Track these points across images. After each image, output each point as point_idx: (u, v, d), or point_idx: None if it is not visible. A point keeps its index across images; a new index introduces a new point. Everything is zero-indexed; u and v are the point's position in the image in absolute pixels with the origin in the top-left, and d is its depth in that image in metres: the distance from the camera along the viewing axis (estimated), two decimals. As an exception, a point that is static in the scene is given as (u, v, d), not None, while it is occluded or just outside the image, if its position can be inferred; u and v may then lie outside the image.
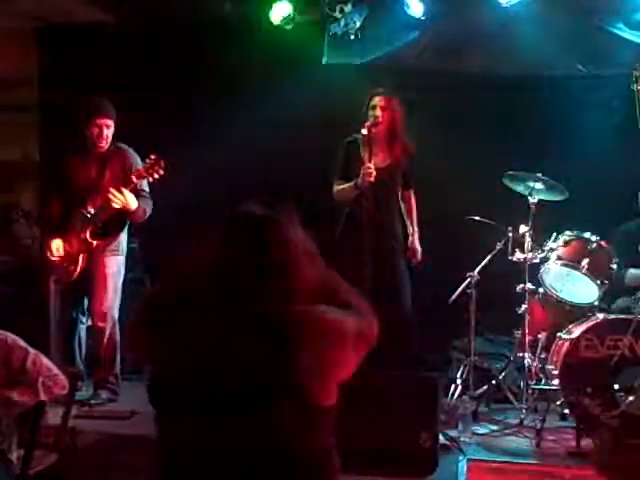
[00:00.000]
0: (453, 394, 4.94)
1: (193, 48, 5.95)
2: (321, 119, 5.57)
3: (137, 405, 4.68)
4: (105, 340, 5.02)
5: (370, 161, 4.88)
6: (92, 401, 4.96)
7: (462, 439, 4.43)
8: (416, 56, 5.97)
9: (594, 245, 4.76)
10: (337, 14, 5.96)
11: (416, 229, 5.13)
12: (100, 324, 5.02)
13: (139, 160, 5.03)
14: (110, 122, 4.99)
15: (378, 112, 5.00)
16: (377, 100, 5.04)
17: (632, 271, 4.99)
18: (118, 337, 5.02)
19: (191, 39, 6.01)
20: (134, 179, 4.87)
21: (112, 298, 5.05)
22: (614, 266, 4.77)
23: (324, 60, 5.95)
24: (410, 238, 5.08)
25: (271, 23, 5.75)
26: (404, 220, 5.09)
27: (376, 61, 5.96)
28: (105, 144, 5.01)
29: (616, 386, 4.35)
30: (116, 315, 5.05)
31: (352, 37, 6.02)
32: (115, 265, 5.09)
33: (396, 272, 4.94)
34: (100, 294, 5.02)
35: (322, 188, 5.09)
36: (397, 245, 5.02)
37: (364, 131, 4.93)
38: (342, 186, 5.03)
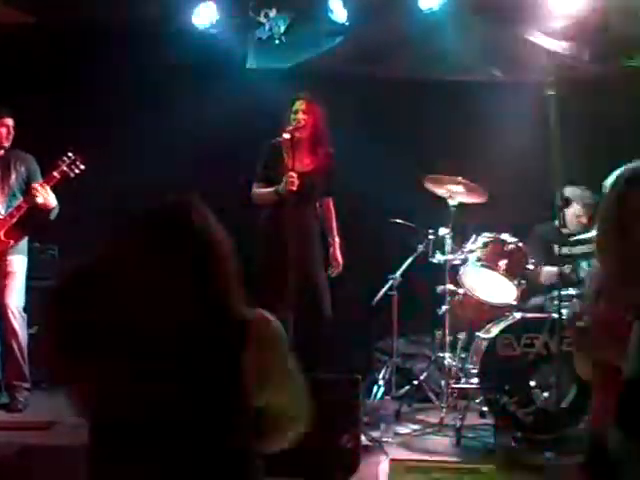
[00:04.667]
0: (376, 395, 5.01)
1: (114, 51, 5.87)
2: (244, 123, 5.56)
3: (55, 416, 4.58)
4: (15, 341, 4.96)
5: (293, 166, 4.88)
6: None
7: (384, 439, 4.49)
8: (340, 61, 6.03)
9: (511, 246, 4.89)
10: (262, 19, 5.98)
11: (337, 239, 5.12)
12: (10, 322, 4.96)
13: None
14: (11, 122, 5.01)
15: (301, 116, 5.02)
16: (300, 104, 5.05)
17: (546, 269, 5.13)
18: (26, 335, 4.98)
19: (113, 42, 5.93)
20: (56, 175, 4.92)
21: (21, 297, 5.04)
22: (530, 266, 4.91)
23: (248, 64, 5.97)
24: (331, 248, 5.09)
25: (195, 26, 5.73)
26: (324, 228, 5.11)
27: (300, 66, 6.01)
28: (8, 144, 5.03)
29: (532, 383, 4.49)
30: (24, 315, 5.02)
31: (277, 42, 6.05)
32: (22, 264, 5.10)
33: (316, 282, 4.92)
34: (10, 293, 5.00)
35: (243, 191, 5.07)
36: (317, 253, 5.02)
37: (286, 135, 4.92)
38: (262, 190, 5.00)
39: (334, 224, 5.14)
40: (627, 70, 5.89)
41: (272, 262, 4.79)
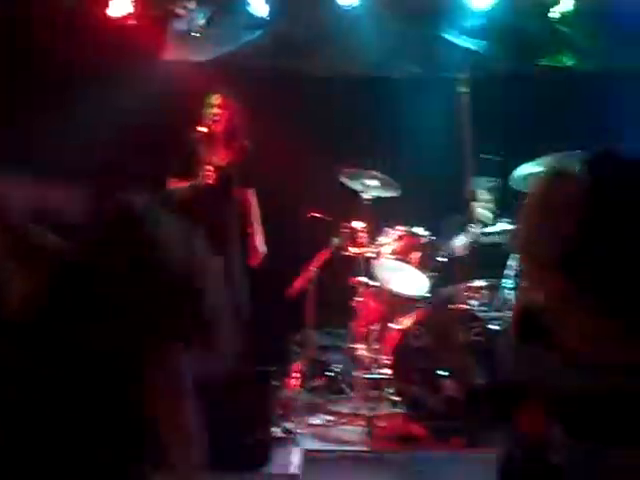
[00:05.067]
0: (290, 387, 5.04)
1: (27, 43, 5.73)
2: (160, 116, 5.51)
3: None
4: None
5: (208, 160, 4.89)
6: None
7: (297, 431, 4.53)
8: (259, 55, 6.04)
9: (424, 240, 5.00)
10: (181, 10, 5.95)
11: (259, 228, 5.14)
12: None
13: None
14: None
15: (217, 110, 5.01)
16: (216, 99, 5.05)
17: (456, 242, 5.18)
18: None
19: (26, 33, 5.79)
20: None
21: None
22: (442, 259, 5.02)
23: (165, 56, 5.92)
24: (251, 238, 5.10)
25: (110, 17, 5.65)
26: (244, 220, 5.12)
27: (219, 59, 6.00)
28: None
29: (441, 372, 4.58)
30: None
31: (195, 34, 6.03)
32: None
33: (231, 273, 4.93)
34: None
35: (158, 186, 5.03)
36: (233, 247, 5.03)
37: (202, 129, 4.93)
38: (178, 185, 4.98)
39: (256, 214, 5.14)
40: (539, 69, 6.09)
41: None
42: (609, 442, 1.70)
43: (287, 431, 4.49)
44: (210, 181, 4.84)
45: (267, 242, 5.12)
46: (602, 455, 1.71)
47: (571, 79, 5.93)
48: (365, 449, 4.43)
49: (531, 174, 4.71)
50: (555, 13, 5.73)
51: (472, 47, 6.05)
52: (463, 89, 5.21)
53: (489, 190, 5.32)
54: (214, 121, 4.99)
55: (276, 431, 4.38)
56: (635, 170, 1.71)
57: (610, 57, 5.77)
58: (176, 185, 4.98)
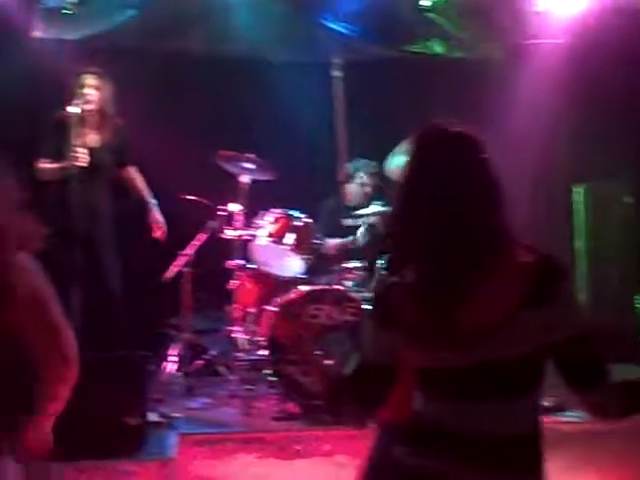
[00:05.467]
0: (167, 371, 5.01)
1: None
2: (30, 96, 5.32)
3: None
4: None
5: (81, 141, 4.78)
6: None
7: (174, 415, 4.51)
8: (132, 35, 5.91)
9: (299, 222, 5.06)
10: (51, -14, 5.74)
11: (153, 201, 5.09)
12: None
13: None
14: None
15: (89, 91, 4.89)
16: (88, 78, 4.92)
17: (329, 240, 5.34)
18: None
19: None
20: None
21: None
22: (317, 241, 5.10)
23: (34, 33, 5.70)
24: (149, 212, 5.06)
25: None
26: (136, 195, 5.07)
27: (91, 38, 5.83)
28: None
29: (317, 352, 4.66)
30: None
31: (67, 12, 5.83)
32: None
33: (102, 257, 4.87)
34: None
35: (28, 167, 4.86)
36: (105, 230, 4.95)
37: (74, 110, 4.79)
38: (48, 166, 4.85)
39: (143, 188, 5.11)
40: (410, 55, 6.26)
41: (57, 240, 4.64)
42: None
43: (164, 415, 4.47)
44: (82, 163, 4.73)
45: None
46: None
47: (440, 66, 6.14)
48: (242, 430, 4.48)
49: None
50: (426, 1, 5.91)
51: (347, 32, 6.14)
52: (337, 73, 5.31)
53: (367, 173, 5.43)
54: (86, 101, 4.86)
55: (152, 416, 4.35)
56: (452, 140, 1.72)
57: (477, 46, 6.01)
58: (46, 166, 4.84)
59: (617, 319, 5.76)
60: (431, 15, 6.01)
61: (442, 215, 1.65)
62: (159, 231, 5.08)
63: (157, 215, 5.10)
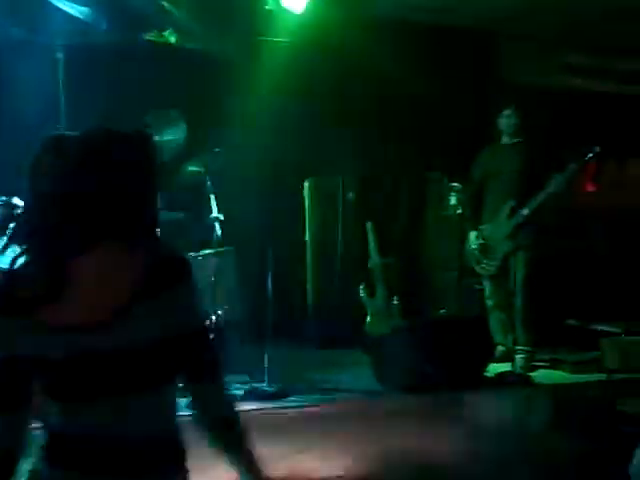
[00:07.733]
0: None
1: None
2: None
3: None
4: None
5: None
6: None
7: None
8: None
9: (20, 210, 4.73)
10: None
11: None
12: None
13: None
14: None
15: None
16: None
17: None
18: None
19: None
20: None
21: None
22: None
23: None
24: None
25: None
26: None
27: None
28: None
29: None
30: None
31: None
32: None
33: None
34: None
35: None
36: None
37: None
38: None
39: None
40: (145, 43, 6.13)
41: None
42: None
43: None
44: None
45: None
46: None
47: (174, 56, 6.10)
48: None
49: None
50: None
51: (75, 14, 5.83)
52: (60, 55, 5.07)
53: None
54: None
55: None
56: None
57: (209, 38, 6.07)
58: None
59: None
60: (166, 5, 5.94)
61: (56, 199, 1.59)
62: None
63: None
